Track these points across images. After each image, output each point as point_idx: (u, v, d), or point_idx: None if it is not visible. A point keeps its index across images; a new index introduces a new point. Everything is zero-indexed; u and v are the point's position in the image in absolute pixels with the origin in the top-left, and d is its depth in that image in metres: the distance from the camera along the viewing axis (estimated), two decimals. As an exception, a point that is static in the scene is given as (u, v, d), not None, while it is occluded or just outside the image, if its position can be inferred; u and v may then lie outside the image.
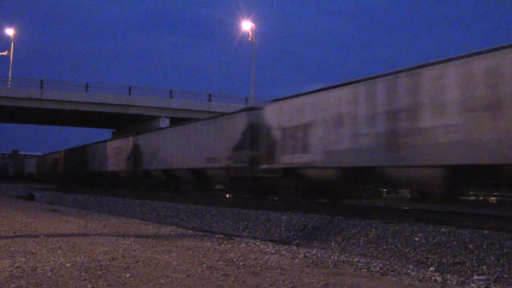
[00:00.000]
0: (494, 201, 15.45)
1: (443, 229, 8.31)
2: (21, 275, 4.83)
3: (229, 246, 7.73)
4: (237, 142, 18.09)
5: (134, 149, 27.93)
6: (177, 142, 23.03)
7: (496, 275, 6.37)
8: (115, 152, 31.00)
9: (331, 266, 6.18)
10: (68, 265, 5.39)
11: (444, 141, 10.46)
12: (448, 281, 5.52)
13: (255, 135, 17.17)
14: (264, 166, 16.30)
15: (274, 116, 16.12)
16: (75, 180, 39.93)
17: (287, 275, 5.23)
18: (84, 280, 4.67)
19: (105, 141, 35.31)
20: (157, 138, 25.78)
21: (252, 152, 17.12)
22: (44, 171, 52.65)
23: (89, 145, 38.40)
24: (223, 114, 20.92)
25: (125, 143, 29.62)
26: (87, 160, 37.07)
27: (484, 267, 6.72)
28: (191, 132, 21.99)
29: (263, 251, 7.35)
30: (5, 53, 48.14)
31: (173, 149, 23.29)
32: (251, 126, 17.42)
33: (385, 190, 19.50)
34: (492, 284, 5.75)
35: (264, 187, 17.39)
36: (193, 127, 22.20)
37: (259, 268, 5.59)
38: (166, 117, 41.21)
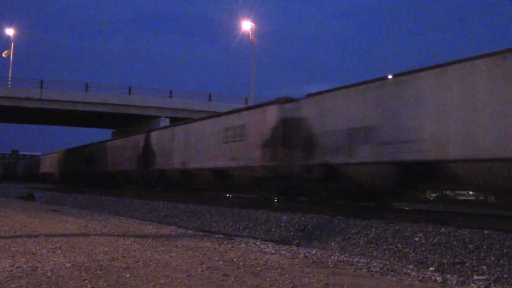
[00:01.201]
0: (494, 201, 15.42)
1: (443, 229, 8.30)
2: (21, 275, 4.83)
3: (229, 246, 7.73)
4: None
5: (281, 126, 15.20)
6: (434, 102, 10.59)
7: (496, 275, 6.37)
8: (224, 136, 18.53)
9: (331, 266, 6.18)
10: (68, 265, 5.39)
11: None
12: (448, 281, 5.52)
13: None
14: None
15: None
16: (137, 183, 26.80)
17: (287, 275, 5.23)
18: (84, 280, 4.67)
19: (198, 120, 21.92)
20: (362, 99, 12.50)
21: None
22: (72, 170, 40.28)
23: (161, 129, 25.39)
24: None
25: (257, 118, 16.59)
26: (157, 152, 24.07)
27: (484, 267, 6.72)
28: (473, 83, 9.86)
29: (263, 251, 7.36)
30: (5, 54, 48.08)
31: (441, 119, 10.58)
32: None
33: None
34: (492, 284, 5.75)
35: None
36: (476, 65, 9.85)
37: (259, 268, 5.59)
38: (166, 117, 41.25)
